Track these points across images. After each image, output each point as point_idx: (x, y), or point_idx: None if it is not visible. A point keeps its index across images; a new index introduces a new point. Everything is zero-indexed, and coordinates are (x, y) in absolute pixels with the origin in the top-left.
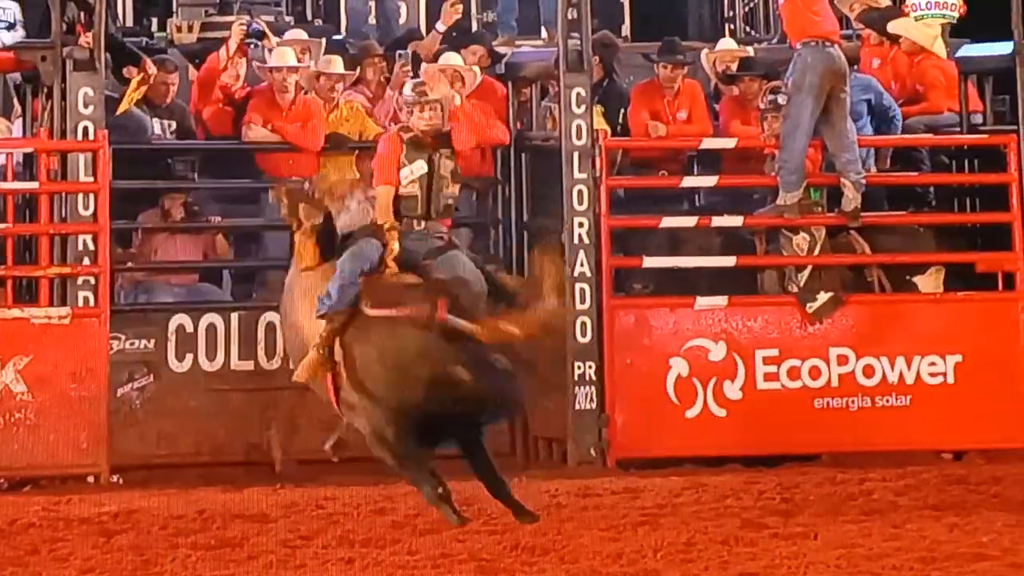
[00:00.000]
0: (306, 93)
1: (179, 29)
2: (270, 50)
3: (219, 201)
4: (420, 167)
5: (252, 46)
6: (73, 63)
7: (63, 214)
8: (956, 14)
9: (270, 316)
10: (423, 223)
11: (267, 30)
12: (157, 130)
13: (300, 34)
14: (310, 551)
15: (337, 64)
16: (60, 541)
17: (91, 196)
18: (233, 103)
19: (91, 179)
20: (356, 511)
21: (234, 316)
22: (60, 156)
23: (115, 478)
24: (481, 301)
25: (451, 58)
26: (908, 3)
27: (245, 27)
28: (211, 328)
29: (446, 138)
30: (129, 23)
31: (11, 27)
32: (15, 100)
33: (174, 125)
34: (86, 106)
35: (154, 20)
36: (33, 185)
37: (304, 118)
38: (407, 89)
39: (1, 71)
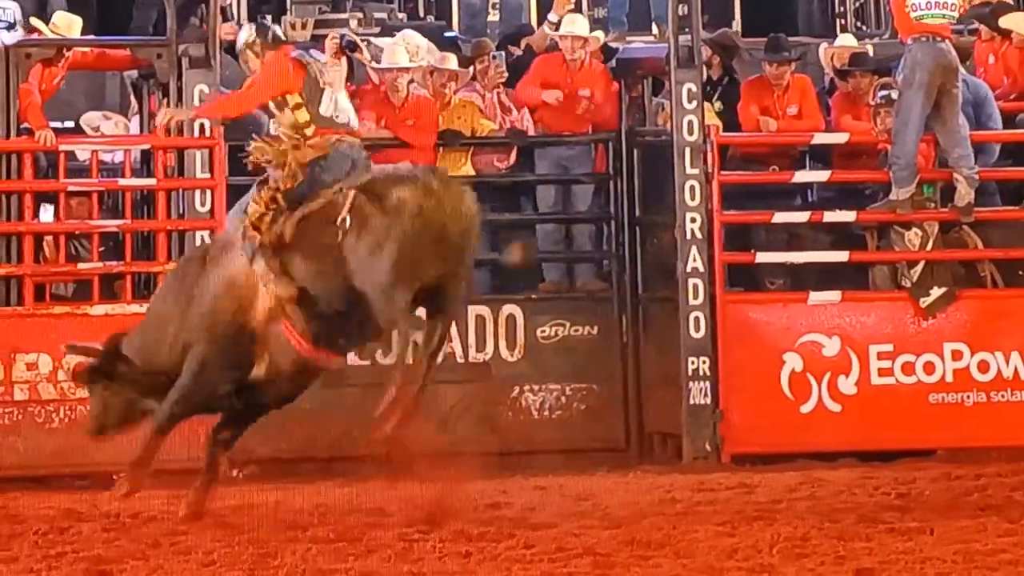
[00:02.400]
0: (417, 90)
1: (293, 27)
2: (365, 63)
3: None
4: None
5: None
6: (189, 60)
7: (180, 210)
8: (956, 14)
9: None
10: None
11: (359, 42)
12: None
13: (413, 35)
14: (428, 545)
15: (450, 61)
16: (181, 535)
17: (208, 192)
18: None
19: (208, 175)
20: (472, 505)
21: None
22: (177, 153)
23: (234, 472)
24: None
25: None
26: (908, 3)
27: (338, 40)
28: None
29: None
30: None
31: (11, 27)
32: (132, 97)
33: None
34: (201, 102)
35: (268, 17)
36: (151, 182)
37: (416, 115)
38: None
39: (118, 69)
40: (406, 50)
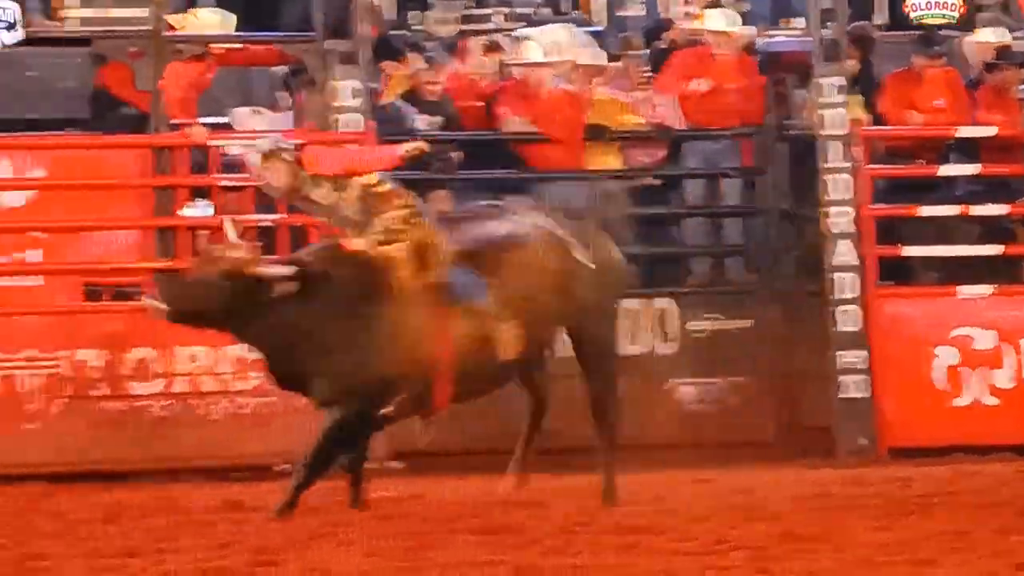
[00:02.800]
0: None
1: (438, 22)
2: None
3: (481, 191)
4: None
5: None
6: (337, 56)
7: None
8: (956, 14)
9: None
10: None
11: (501, 43)
12: (422, 126)
13: (557, 30)
14: (587, 537)
15: (595, 57)
16: (343, 525)
17: None
18: (482, 96)
19: None
20: (631, 498)
21: None
22: None
23: (396, 464)
24: None
25: None
26: (908, 3)
27: (485, 43)
28: None
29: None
30: (391, 16)
31: (11, 27)
32: (281, 93)
33: (440, 120)
34: (352, 98)
35: (415, 14)
36: None
37: (560, 110)
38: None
39: (266, 65)
40: (543, 46)
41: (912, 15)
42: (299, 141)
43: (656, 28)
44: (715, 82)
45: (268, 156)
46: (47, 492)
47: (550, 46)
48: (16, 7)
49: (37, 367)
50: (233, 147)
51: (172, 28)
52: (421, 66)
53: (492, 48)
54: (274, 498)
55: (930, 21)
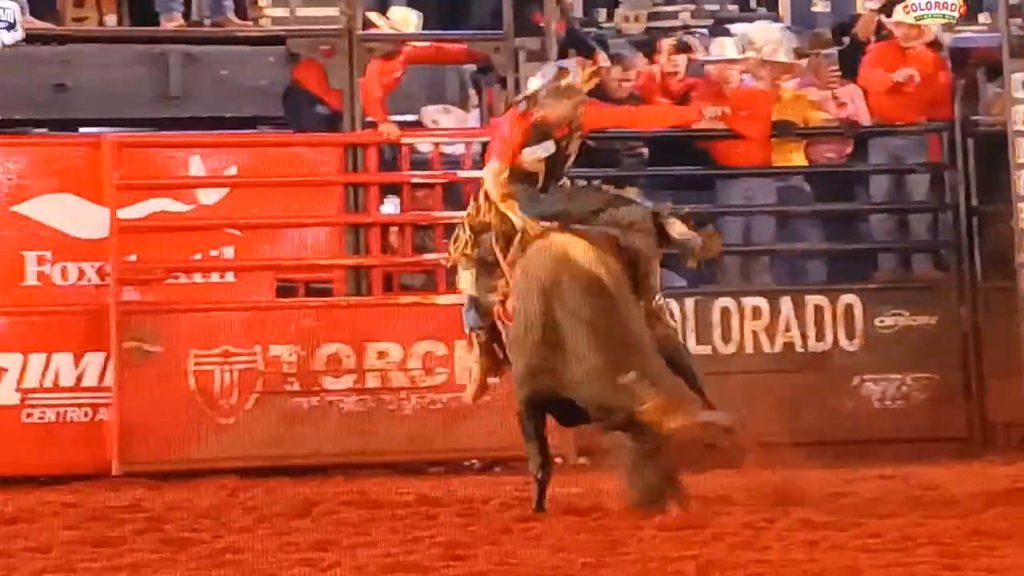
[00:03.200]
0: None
1: (626, 19)
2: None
3: (669, 189)
4: (547, 147)
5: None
6: (526, 54)
7: None
8: (956, 14)
9: (724, 302)
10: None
11: (693, 44)
12: None
13: (766, 27)
14: (773, 533)
15: (784, 54)
16: (532, 521)
17: None
18: (673, 95)
19: None
20: (817, 494)
21: (689, 301)
22: None
23: (582, 460)
24: (648, 241)
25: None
26: (908, 3)
27: (674, 45)
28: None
29: (577, 123)
30: (578, 14)
31: (11, 27)
32: (471, 91)
33: None
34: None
35: (602, 11)
36: None
37: (749, 107)
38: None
39: (456, 63)
40: (752, 41)
41: (912, 15)
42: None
43: (844, 24)
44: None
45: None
46: (241, 486)
47: (760, 41)
48: (16, 7)
49: (231, 363)
50: (423, 144)
51: (370, 26)
52: (616, 67)
53: (683, 49)
54: (464, 493)
55: (930, 21)
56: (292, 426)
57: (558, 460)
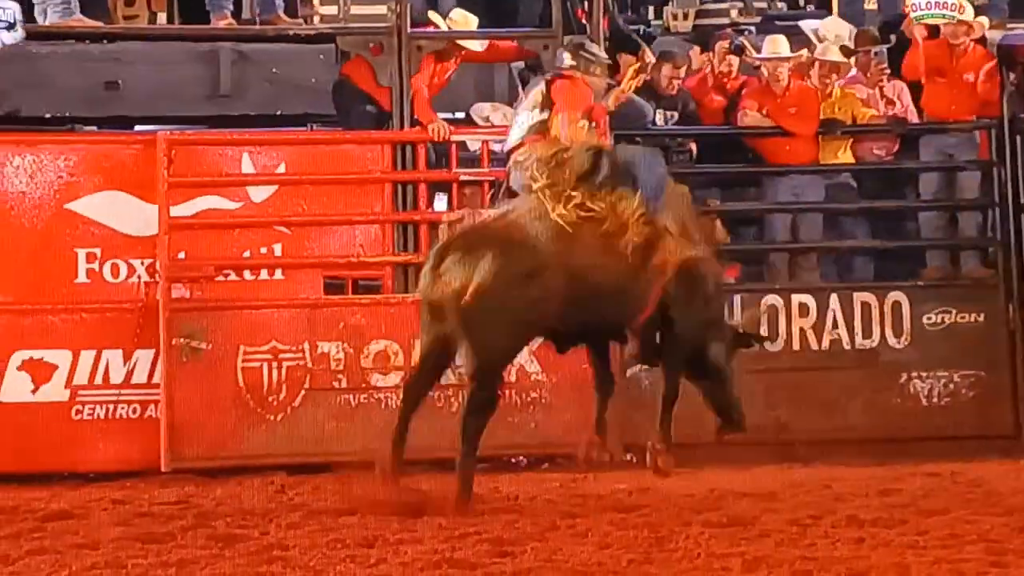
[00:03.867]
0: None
1: (675, 17)
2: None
3: (717, 186)
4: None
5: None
6: None
7: None
8: (956, 14)
9: (771, 299)
10: None
11: (747, 44)
12: (659, 120)
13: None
14: (819, 530)
15: (832, 52)
16: (578, 517)
17: None
18: (726, 93)
19: None
20: (863, 491)
21: (736, 298)
22: None
23: (628, 456)
24: None
25: None
26: (908, 3)
27: (727, 46)
28: None
29: None
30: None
31: (11, 27)
32: (520, 89)
33: (675, 116)
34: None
35: (651, 8)
36: None
37: (797, 104)
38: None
39: (505, 60)
40: (830, 35)
41: (912, 15)
42: None
43: (892, 22)
44: (953, 72)
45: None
46: (288, 483)
47: (832, 36)
48: (16, 7)
49: (280, 359)
50: (473, 142)
51: (428, 25)
52: (664, 65)
53: (737, 51)
54: (510, 489)
55: (930, 21)
56: (340, 423)
57: (605, 457)
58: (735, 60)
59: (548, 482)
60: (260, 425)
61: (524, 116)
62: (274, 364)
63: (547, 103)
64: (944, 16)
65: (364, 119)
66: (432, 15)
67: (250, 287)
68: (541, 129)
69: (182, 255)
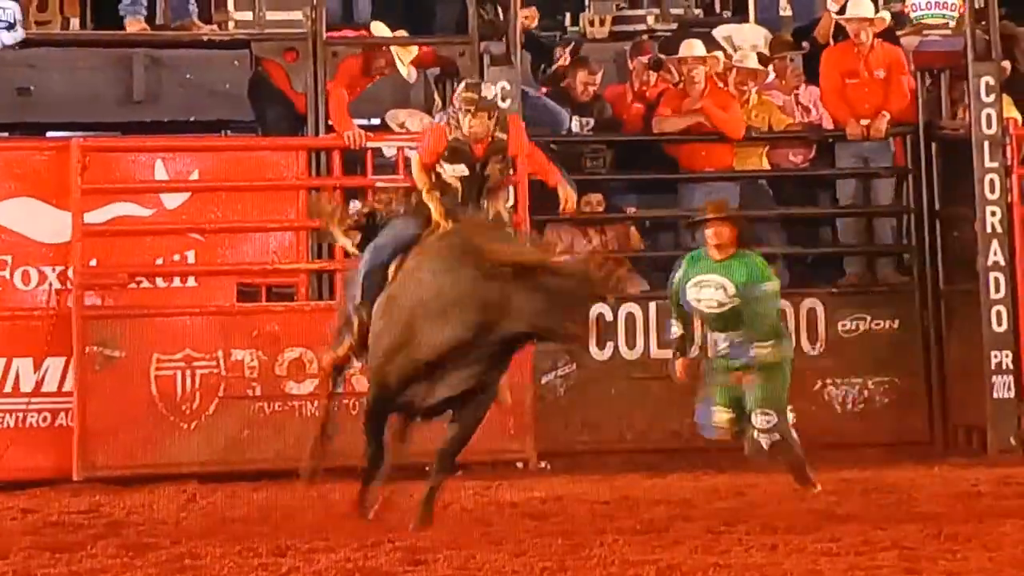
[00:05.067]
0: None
1: (591, 23)
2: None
3: (633, 192)
4: (460, 169)
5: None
6: (490, 58)
7: None
8: (956, 14)
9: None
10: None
11: (665, 62)
12: (574, 127)
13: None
14: (733, 537)
15: (749, 59)
16: (492, 524)
17: (510, 188)
18: (644, 100)
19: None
20: (777, 498)
21: (652, 305)
22: None
23: (542, 464)
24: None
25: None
26: (908, 3)
27: (646, 62)
28: (630, 317)
29: (498, 145)
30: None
31: (11, 27)
32: (435, 94)
33: (591, 122)
34: (503, 99)
35: (567, 14)
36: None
37: (723, 106)
38: (457, 94)
39: (421, 66)
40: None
41: (912, 15)
42: None
43: (808, 27)
44: (864, 71)
45: (482, 106)
46: (200, 491)
47: (744, 43)
48: (16, 7)
49: (194, 367)
50: (388, 148)
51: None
52: (579, 71)
53: (656, 67)
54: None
55: (931, 21)
56: (254, 431)
57: (519, 464)
58: (653, 76)
59: (463, 489)
60: (174, 433)
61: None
62: (187, 372)
63: None
64: (944, 16)
65: (280, 121)
66: (374, 25)
67: (163, 295)
68: None
69: (93, 262)
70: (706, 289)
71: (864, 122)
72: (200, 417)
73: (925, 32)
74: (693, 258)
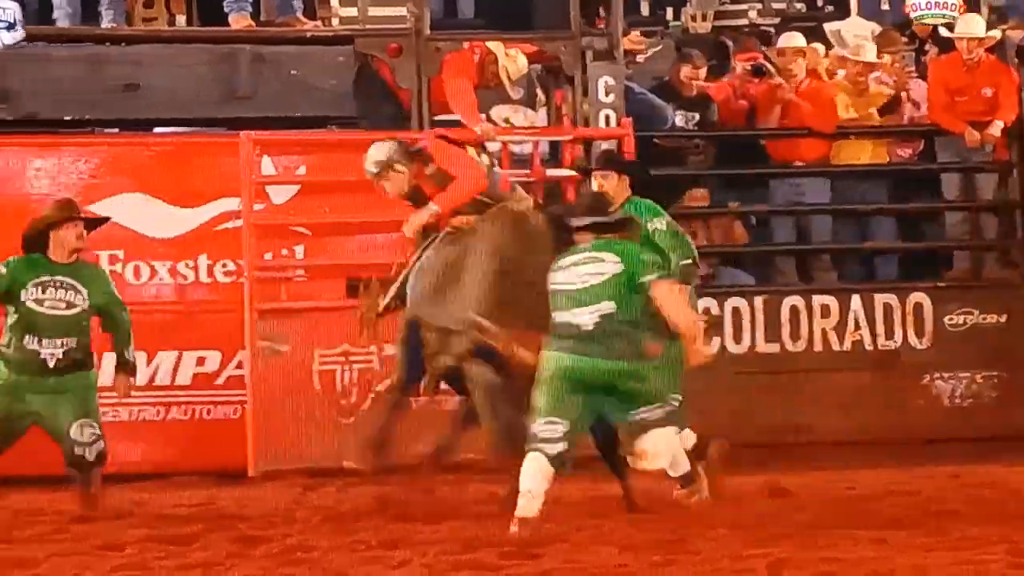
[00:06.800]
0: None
1: (693, 18)
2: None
3: (734, 188)
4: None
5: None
6: (592, 53)
7: None
8: (956, 14)
9: (793, 300)
10: None
11: (770, 69)
12: (679, 122)
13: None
14: (841, 531)
15: (868, 52)
16: (601, 519)
17: None
18: (747, 96)
19: None
20: (884, 493)
21: (758, 299)
22: (584, 144)
23: None
24: None
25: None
26: (908, 3)
27: (748, 68)
28: (736, 311)
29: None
30: (645, 13)
31: (11, 27)
32: (538, 90)
33: (696, 117)
34: (607, 95)
35: (668, 9)
36: (569, 172)
37: (814, 100)
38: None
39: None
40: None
41: (912, 15)
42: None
43: (908, 21)
44: (971, 87)
45: (382, 169)
46: (311, 484)
47: (852, 39)
48: (16, 7)
49: (351, 362)
50: (491, 143)
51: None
52: (685, 67)
53: (758, 73)
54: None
55: (930, 21)
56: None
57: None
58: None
59: (571, 484)
60: (334, 428)
61: None
62: (346, 367)
63: None
64: (944, 16)
65: (384, 117)
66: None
67: (308, 289)
68: None
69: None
70: None
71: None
72: (357, 412)
73: None
74: None
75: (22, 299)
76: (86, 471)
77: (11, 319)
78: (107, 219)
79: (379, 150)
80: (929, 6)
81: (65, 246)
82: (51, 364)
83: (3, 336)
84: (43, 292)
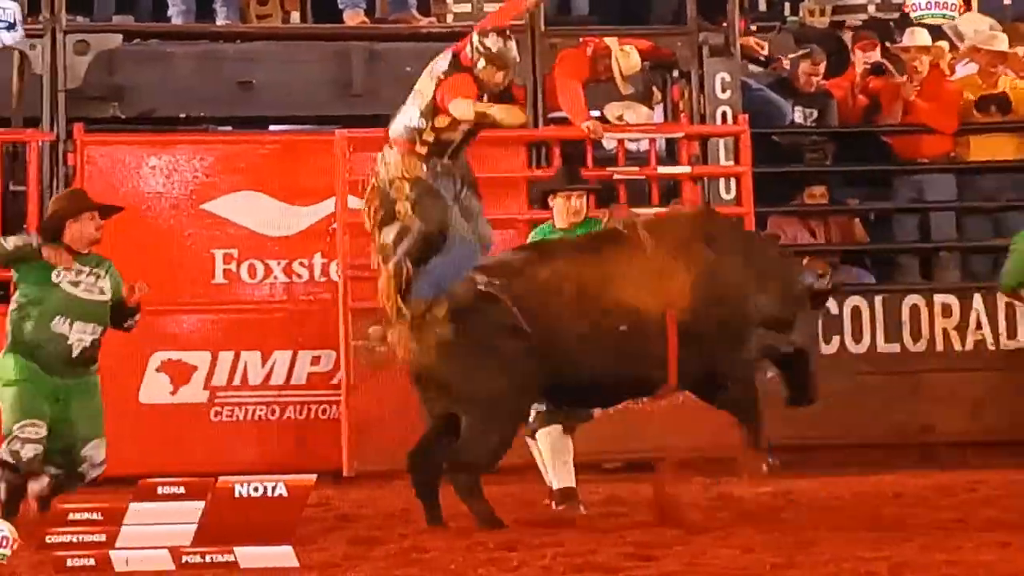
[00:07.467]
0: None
1: (811, 13)
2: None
3: (854, 185)
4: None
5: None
6: (709, 49)
7: (705, 198)
8: (956, 14)
9: (914, 299)
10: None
11: (889, 68)
12: (798, 118)
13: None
14: (965, 534)
15: (999, 42)
16: (720, 521)
17: (733, 180)
18: (867, 92)
19: (733, 163)
20: (1009, 494)
21: (877, 299)
22: (701, 141)
23: (770, 460)
24: None
25: None
26: (908, 3)
27: (868, 66)
28: (855, 311)
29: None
30: (763, 8)
31: (11, 27)
32: (654, 87)
33: (815, 113)
34: (723, 91)
35: (786, 4)
36: (685, 169)
37: (936, 98)
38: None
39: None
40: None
41: (912, 15)
42: None
43: None
44: None
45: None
46: None
47: (970, 33)
48: (16, 7)
49: None
50: (608, 141)
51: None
52: (805, 63)
53: (877, 73)
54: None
55: (930, 21)
56: None
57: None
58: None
59: (690, 485)
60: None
61: (412, 110)
62: None
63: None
64: (944, 16)
65: None
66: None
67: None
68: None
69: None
70: None
71: None
72: None
73: None
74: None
75: (54, 280)
76: (68, 486)
77: (33, 297)
78: (121, 208)
79: None
80: (929, 6)
81: (84, 237)
82: (75, 352)
83: (16, 317)
84: (76, 275)
